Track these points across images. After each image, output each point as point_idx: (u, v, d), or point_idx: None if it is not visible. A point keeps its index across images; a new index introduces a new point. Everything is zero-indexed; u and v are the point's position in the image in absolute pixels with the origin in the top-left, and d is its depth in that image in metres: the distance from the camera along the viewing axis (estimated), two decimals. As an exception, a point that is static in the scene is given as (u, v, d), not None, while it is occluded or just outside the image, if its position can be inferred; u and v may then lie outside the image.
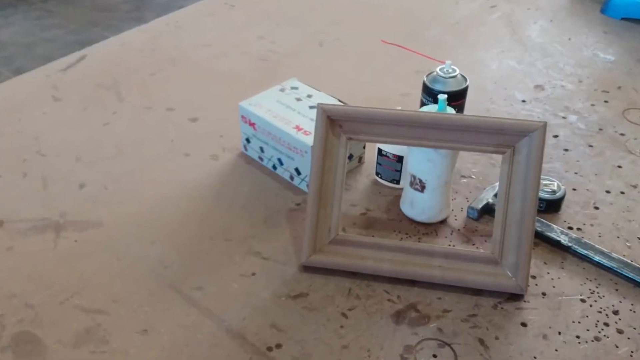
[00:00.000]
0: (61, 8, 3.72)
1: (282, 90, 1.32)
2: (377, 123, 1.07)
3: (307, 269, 1.07)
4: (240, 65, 1.66)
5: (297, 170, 1.22)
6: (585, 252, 1.09)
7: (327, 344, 0.95)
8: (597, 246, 1.10)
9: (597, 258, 1.08)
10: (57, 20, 3.60)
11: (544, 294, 1.04)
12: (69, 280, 1.05)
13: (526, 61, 1.70)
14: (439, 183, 1.12)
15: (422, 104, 1.28)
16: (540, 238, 1.13)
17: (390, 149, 1.20)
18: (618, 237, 1.14)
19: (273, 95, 1.30)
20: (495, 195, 1.16)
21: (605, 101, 1.53)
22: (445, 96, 1.11)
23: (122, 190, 1.24)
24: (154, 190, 1.24)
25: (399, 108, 1.09)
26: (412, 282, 1.05)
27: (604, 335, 0.97)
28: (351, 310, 1.01)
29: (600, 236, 1.15)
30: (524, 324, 0.99)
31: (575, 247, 1.10)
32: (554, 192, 1.19)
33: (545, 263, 1.09)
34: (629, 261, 1.08)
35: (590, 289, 1.04)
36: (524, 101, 1.53)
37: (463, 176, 1.28)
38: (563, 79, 1.62)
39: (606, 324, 0.99)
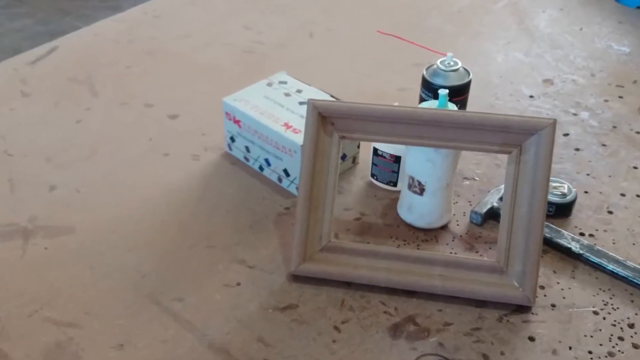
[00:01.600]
0: (30, -5, 3.71)
1: (269, 84, 1.32)
2: (373, 120, 1.07)
3: (297, 278, 1.07)
4: (224, 58, 1.66)
5: (285, 171, 1.23)
6: (598, 260, 1.09)
7: (319, 360, 0.96)
8: (611, 254, 1.10)
9: (611, 267, 1.08)
10: (26, 9, 3.59)
11: (553, 305, 1.04)
12: (38, 291, 1.05)
13: (534, 53, 1.71)
14: (439, 185, 1.12)
15: (422, 100, 1.28)
16: (549, 245, 1.13)
17: (387, 148, 1.20)
18: (634, 244, 1.15)
19: (260, 90, 1.30)
20: (501, 199, 1.16)
21: (620, 96, 1.54)
22: (447, 91, 1.12)
23: (96, 194, 1.24)
24: (130, 193, 1.24)
25: (396, 104, 1.09)
26: (410, 293, 1.05)
27: (619, 351, 0.97)
28: (344, 324, 1.01)
29: (614, 243, 1.15)
30: (531, 338, 0.99)
31: (588, 254, 1.10)
32: (564, 195, 1.19)
33: (554, 272, 1.10)
34: (645, 270, 1.08)
35: (603, 300, 1.05)
36: (531, 96, 1.54)
37: (465, 178, 1.28)
38: (574, 72, 1.63)
39: (621, 338, 0.99)
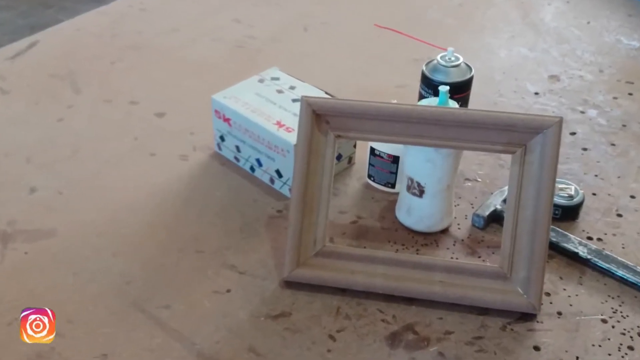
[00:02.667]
0: (9, -13, 3.71)
1: (261, 81, 1.32)
2: (370, 119, 1.07)
3: (290, 284, 1.07)
4: (214, 53, 1.66)
5: (278, 172, 1.22)
6: (607, 265, 1.09)
7: (313, 371, 0.96)
8: (620, 259, 1.10)
9: (620, 272, 1.08)
10: (5, 1, 3.58)
11: (559, 313, 1.04)
12: (17, 298, 1.04)
13: (539, 48, 1.71)
14: (439, 187, 1.12)
15: (421, 97, 1.29)
16: (556, 250, 1.13)
17: (385, 148, 1.20)
18: (643, 248, 1.15)
19: (251, 87, 1.30)
20: (504, 201, 1.16)
21: (630, 93, 1.54)
22: (447, 88, 1.12)
23: (78, 196, 1.24)
24: (115, 195, 1.24)
25: (395, 101, 1.09)
26: (409, 300, 1.05)
27: (628, 360, 0.98)
28: (340, 332, 1.01)
29: (623, 247, 1.15)
30: (536, 348, 0.99)
31: (596, 259, 1.10)
32: (571, 197, 1.19)
33: (561, 278, 1.10)
34: (656, 275, 1.08)
35: (612, 308, 1.05)
36: (536, 93, 1.54)
37: (467, 179, 1.28)
38: (581, 68, 1.63)
39: (630, 348, 0.99)
